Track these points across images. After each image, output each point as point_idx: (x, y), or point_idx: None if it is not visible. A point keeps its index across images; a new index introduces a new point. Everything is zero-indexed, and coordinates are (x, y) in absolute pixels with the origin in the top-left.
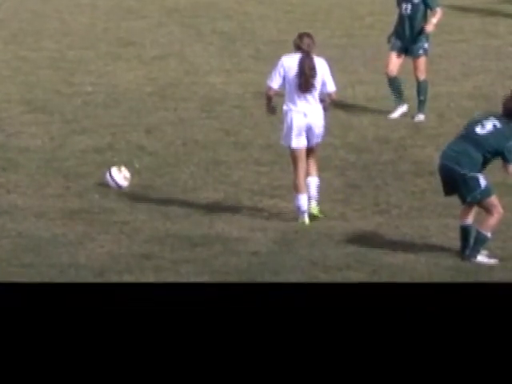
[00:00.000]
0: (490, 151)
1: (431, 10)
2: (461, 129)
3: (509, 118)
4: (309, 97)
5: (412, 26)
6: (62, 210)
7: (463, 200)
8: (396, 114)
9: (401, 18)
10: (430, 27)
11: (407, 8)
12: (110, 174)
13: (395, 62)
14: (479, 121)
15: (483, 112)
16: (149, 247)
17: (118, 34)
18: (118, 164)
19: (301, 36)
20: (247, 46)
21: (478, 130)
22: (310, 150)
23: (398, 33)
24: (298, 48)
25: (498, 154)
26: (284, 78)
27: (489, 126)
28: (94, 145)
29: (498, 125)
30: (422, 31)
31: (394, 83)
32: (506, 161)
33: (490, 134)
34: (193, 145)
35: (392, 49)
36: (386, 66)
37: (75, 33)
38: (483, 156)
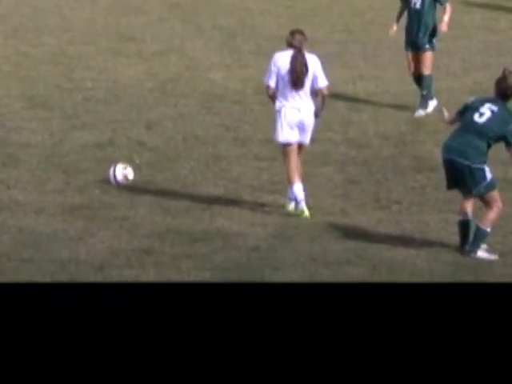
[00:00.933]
0: (493, 137)
1: (441, 4)
2: (453, 115)
3: (503, 100)
4: (301, 93)
5: (420, 21)
6: (62, 206)
7: (468, 192)
8: (429, 109)
9: (409, 13)
10: (444, 26)
11: (416, 3)
12: (114, 169)
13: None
14: (476, 108)
15: (475, 98)
16: (149, 242)
17: (118, 29)
18: (121, 160)
19: (292, 33)
20: (248, 41)
21: (477, 118)
22: (299, 148)
23: (408, 29)
24: (289, 45)
25: (501, 138)
26: (277, 75)
27: (486, 112)
28: (95, 140)
29: (495, 109)
30: (432, 27)
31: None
32: (509, 145)
33: (489, 120)
34: (193, 140)
35: (408, 49)
36: (408, 66)
37: (75, 28)
38: (487, 143)
